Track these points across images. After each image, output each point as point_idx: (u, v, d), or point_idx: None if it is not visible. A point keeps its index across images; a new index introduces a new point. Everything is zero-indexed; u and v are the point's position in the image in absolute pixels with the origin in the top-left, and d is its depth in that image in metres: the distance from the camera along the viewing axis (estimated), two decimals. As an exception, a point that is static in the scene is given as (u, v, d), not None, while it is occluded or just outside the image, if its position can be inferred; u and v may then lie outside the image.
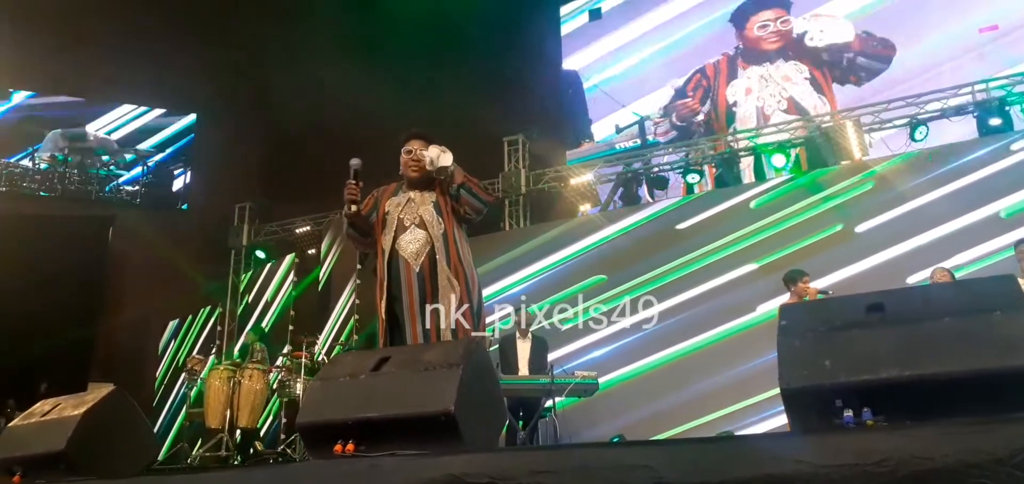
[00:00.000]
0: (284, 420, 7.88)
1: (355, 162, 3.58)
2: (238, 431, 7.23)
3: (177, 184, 13.55)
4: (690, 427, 7.70)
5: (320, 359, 8.10)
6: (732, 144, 9.80)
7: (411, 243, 3.49)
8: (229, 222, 12.44)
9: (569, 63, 12.10)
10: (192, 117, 13.68)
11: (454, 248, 3.49)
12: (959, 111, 8.56)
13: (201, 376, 7.84)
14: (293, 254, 12.01)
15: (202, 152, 13.52)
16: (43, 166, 12.74)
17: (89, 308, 11.45)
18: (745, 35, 10.80)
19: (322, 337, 10.08)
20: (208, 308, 12.23)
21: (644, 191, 10.14)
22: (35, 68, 12.51)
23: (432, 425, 2.25)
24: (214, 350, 9.89)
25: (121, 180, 13.18)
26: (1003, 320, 1.89)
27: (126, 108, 13.40)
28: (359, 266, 10.45)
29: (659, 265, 8.68)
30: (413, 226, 3.51)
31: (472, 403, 2.33)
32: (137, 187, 13.21)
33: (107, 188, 13.03)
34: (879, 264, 7.66)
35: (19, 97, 12.98)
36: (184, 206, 13.45)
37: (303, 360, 7.65)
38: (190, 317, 12.35)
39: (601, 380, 6.73)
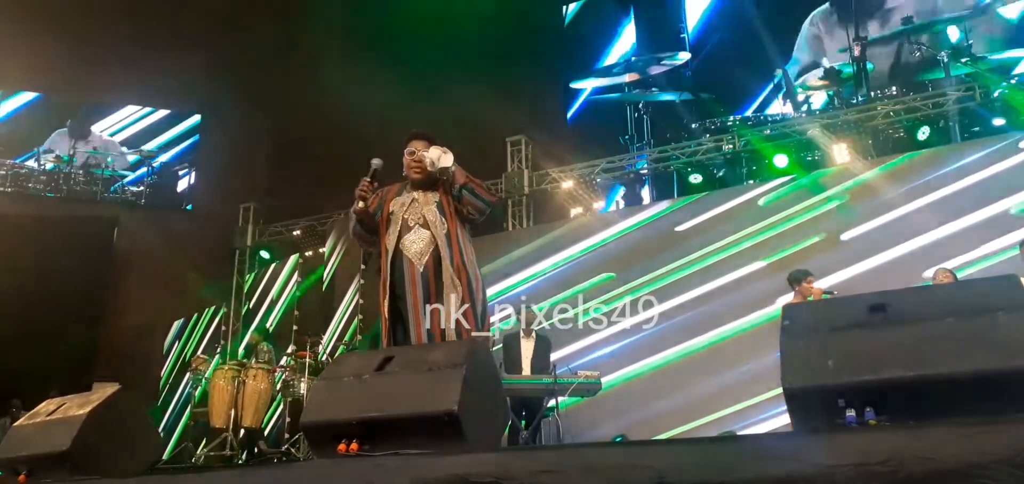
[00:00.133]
0: (288, 420, 7.90)
1: (376, 162, 3.63)
2: (242, 430, 7.25)
3: (182, 185, 13.58)
4: (693, 427, 7.69)
5: (324, 359, 8.12)
6: (734, 144, 9.79)
7: (415, 243, 3.50)
8: (233, 223, 12.48)
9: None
10: (197, 118, 13.71)
11: (458, 248, 3.50)
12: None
13: (205, 376, 7.86)
14: (297, 254, 12.03)
15: (207, 153, 13.55)
16: (48, 167, 12.79)
17: (94, 308, 11.48)
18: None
19: (326, 337, 10.09)
20: (212, 308, 12.26)
21: (645, 192, 10.14)
22: (40, 69, 12.55)
23: (436, 425, 2.25)
24: (218, 350, 9.92)
25: (126, 181, 13.22)
26: (1006, 320, 1.89)
27: (131, 109, 13.44)
28: (363, 266, 10.47)
29: (661, 265, 8.68)
30: (417, 226, 3.52)
31: (475, 403, 2.33)
32: (142, 188, 13.24)
33: (112, 189, 13.07)
34: (883, 263, 7.65)
35: (25, 98, 13.02)
36: (188, 207, 13.48)
37: (307, 360, 7.67)
38: (195, 317, 12.38)
39: (604, 380, 6.73)
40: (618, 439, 7.14)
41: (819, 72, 10.37)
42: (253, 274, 12.37)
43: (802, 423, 2.00)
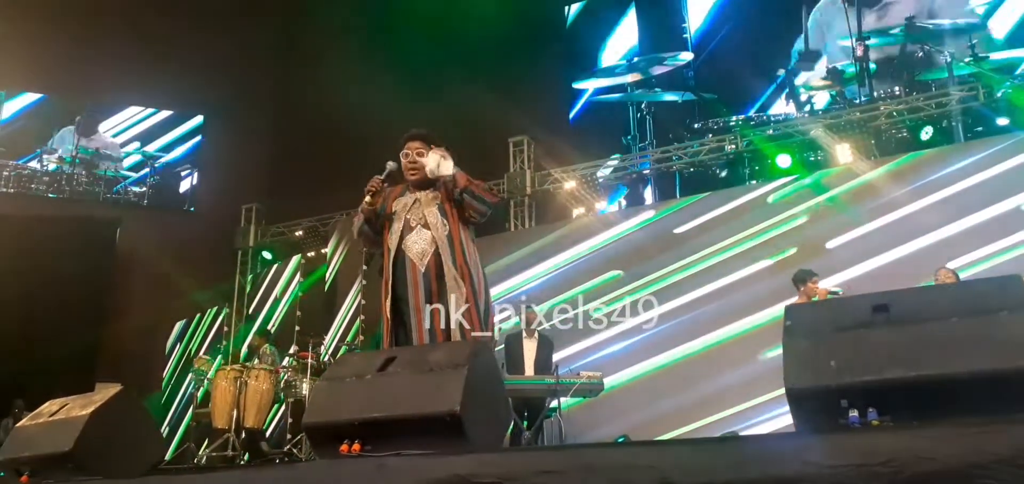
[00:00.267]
0: (290, 420, 7.90)
1: (391, 165, 3.66)
2: (244, 431, 7.25)
3: (184, 185, 13.61)
4: (695, 427, 7.69)
5: (326, 359, 8.12)
6: (736, 144, 9.78)
7: (417, 243, 3.50)
8: (236, 223, 12.50)
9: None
10: (199, 119, 13.73)
11: (460, 249, 3.50)
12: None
13: (208, 376, 7.87)
14: (299, 255, 12.04)
15: (209, 154, 13.56)
16: (51, 168, 12.81)
17: (96, 309, 11.49)
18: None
19: (328, 337, 10.10)
20: (215, 309, 12.28)
21: (648, 192, 10.14)
22: (43, 70, 12.57)
23: (438, 425, 2.25)
24: (220, 351, 9.94)
25: (128, 182, 13.24)
26: (1009, 320, 1.88)
27: (134, 110, 13.46)
28: (365, 267, 10.48)
29: (664, 266, 8.67)
30: (419, 227, 3.52)
31: (478, 403, 2.33)
32: (144, 189, 13.27)
33: (114, 190, 13.09)
34: (886, 264, 7.63)
35: (28, 99, 13.05)
36: (191, 208, 13.50)
37: (309, 360, 7.67)
38: (197, 318, 12.40)
39: (606, 380, 6.72)
40: (621, 440, 7.14)
41: (822, 72, 10.35)
42: (255, 275, 12.38)
43: (805, 423, 2.00)
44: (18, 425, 3.51)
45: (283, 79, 13.47)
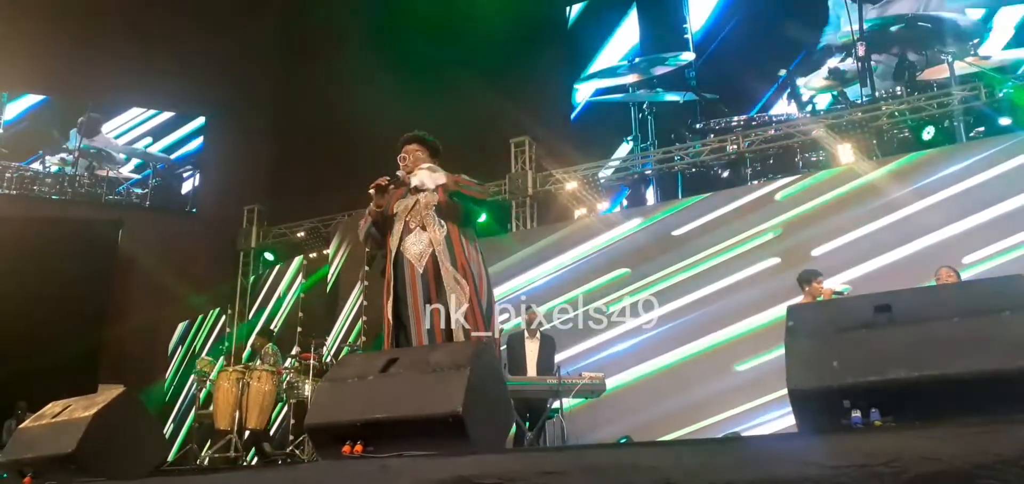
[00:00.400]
0: (292, 421, 7.90)
1: (402, 172, 3.69)
2: (247, 432, 7.25)
3: (186, 187, 13.62)
4: (697, 428, 7.68)
5: (328, 360, 8.12)
6: (738, 144, 9.78)
7: (415, 245, 3.51)
8: (238, 225, 12.51)
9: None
10: (201, 120, 13.74)
11: (460, 250, 3.50)
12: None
13: (210, 378, 7.87)
14: (301, 256, 12.05)
15: (211, 155, 13.58)
16: (53, 169, 12.84)
17: (99, 310, 11.51)
18: None
19: (330, 338, 10.10)
20: (217, 310, 12.28)
21: (650, 193, 10.13)
22: (46, 72, 12.59)
23: (440, 426, 2.26)
24: (222, 352, 9.93)
25: (130, 183, 13.26)
26: (1012, 320, 1.88)
27: (136, 111, 13.47)
28: (367, 267, 10.47)
29: (665, 266, 8.66)
30: (417, 228, 3.53)
31: (480, 404, 2.33)
32: (146, 190, 13.28)
33: (117, 191, 13.11)
34: (889, 264, 7.62)
35: (30, 101, 13.07)
36: (193, 209, 13.51)
37: (311, 361, 7.67)
38: (199, 319, 12.40)
39: (608, 381, 6.71)
40: (623, 440, 7.14)
41: (823, 72, 10.35)
42: (257, 276, 12.39)
43: (807, 424, 1.99)
44: (21, 426, 3.52)
45: (285, 80, 13.49)
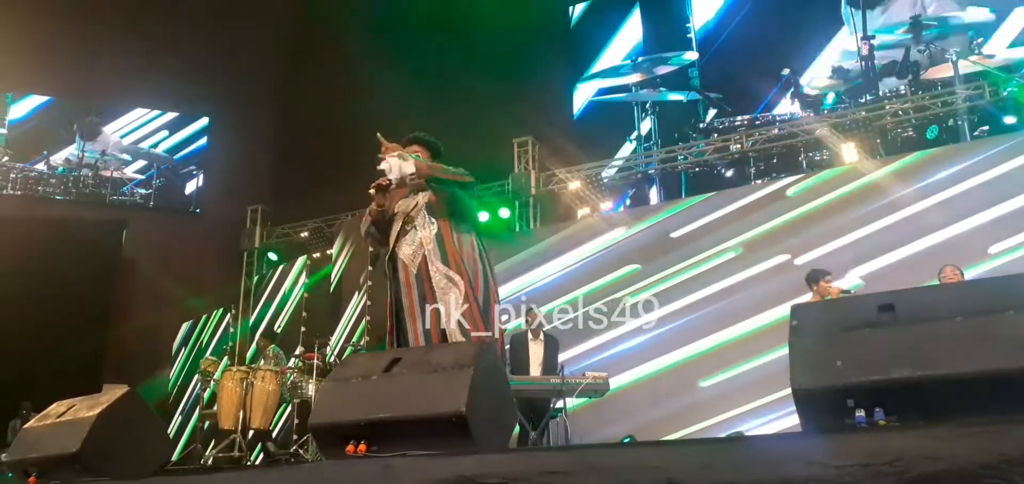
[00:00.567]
0: (296, 421, 7.92)
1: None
2: (251, 432, 7.27)
3: (190, 187, 13.65)
4: (701, 427, 7.68)
5: (332, 360, 8.13)
6: (742, 144, 9.76)
7: (408, 245, 3.51)
8: (241, 225, 12.52)
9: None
10: (205, 121, 13.76)
11: (451, 246, 3.47)
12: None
13: (214, 378, 7.89)
14: (305, 256, 12.05)
15: (214, 155, 13.60)
16: (58, 170, 12.87)
17: (103, 310, 11.53)
18: None
19: (334, 338, 10.10)
20: (221, 310, 12.30)
21: (653, 192, 10.12)
22: (50, 73, 12.63)
23: (443, 426, 2.26)
24: (226, 352, 9.96)
25: (134, 183, 13.28)
26: (1015, 319, 1.88)
27: (140, 112, 13.50)
28: (370, 267, 10.47)
29: (668, 266, 8.66)
30: (411, 228, 3.53)
31: (483, 404, 2.34)
32: (150, 190, 13.31)
33: (121, 191, 13.14)
34: (893, 263, 7.61)
35: (35, 102, 13.10)
36: (196, 209, 13.53)
37: (315, 361, 7.68)
38: (203, 319, 12.42)
39: (612, 381, 6.71)
40: (626, 440, 7.13)
41: (827, 71, 10.33)
42: (261, 276, 12.40)
43: (811, 423, 1.99)
44: (25, 426, 3.52)
45: (288, 80, 13.50)
